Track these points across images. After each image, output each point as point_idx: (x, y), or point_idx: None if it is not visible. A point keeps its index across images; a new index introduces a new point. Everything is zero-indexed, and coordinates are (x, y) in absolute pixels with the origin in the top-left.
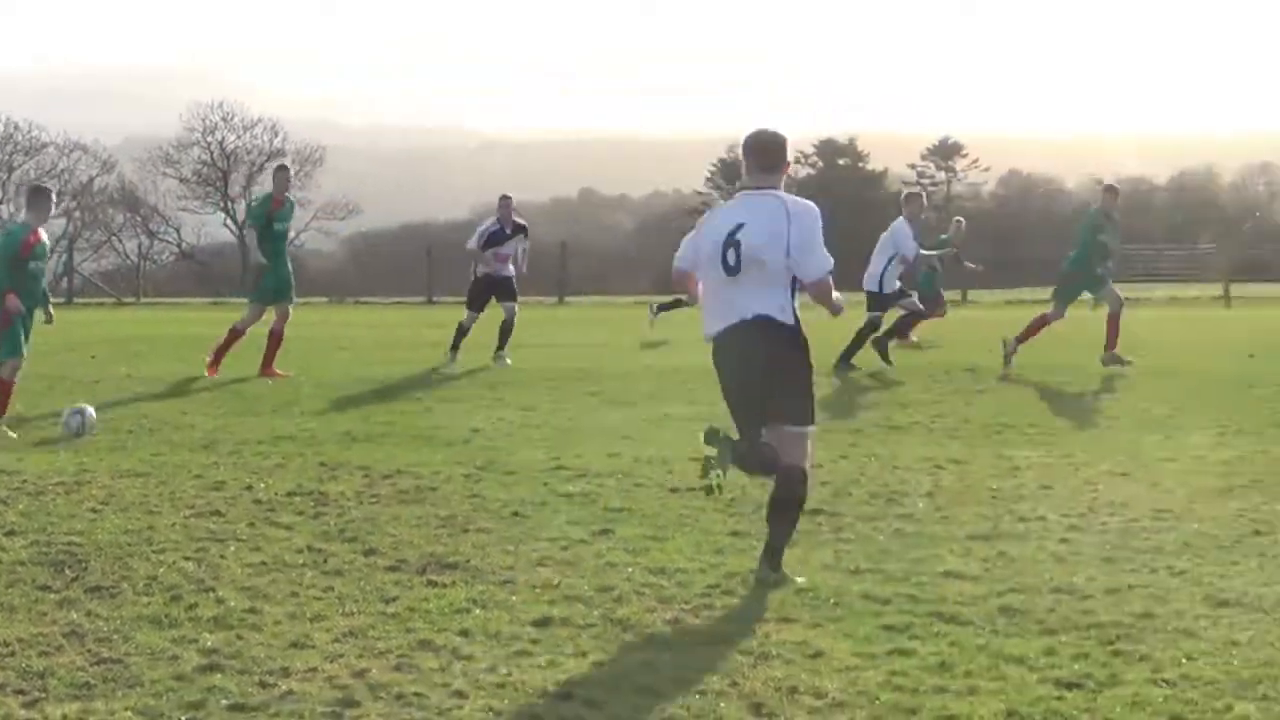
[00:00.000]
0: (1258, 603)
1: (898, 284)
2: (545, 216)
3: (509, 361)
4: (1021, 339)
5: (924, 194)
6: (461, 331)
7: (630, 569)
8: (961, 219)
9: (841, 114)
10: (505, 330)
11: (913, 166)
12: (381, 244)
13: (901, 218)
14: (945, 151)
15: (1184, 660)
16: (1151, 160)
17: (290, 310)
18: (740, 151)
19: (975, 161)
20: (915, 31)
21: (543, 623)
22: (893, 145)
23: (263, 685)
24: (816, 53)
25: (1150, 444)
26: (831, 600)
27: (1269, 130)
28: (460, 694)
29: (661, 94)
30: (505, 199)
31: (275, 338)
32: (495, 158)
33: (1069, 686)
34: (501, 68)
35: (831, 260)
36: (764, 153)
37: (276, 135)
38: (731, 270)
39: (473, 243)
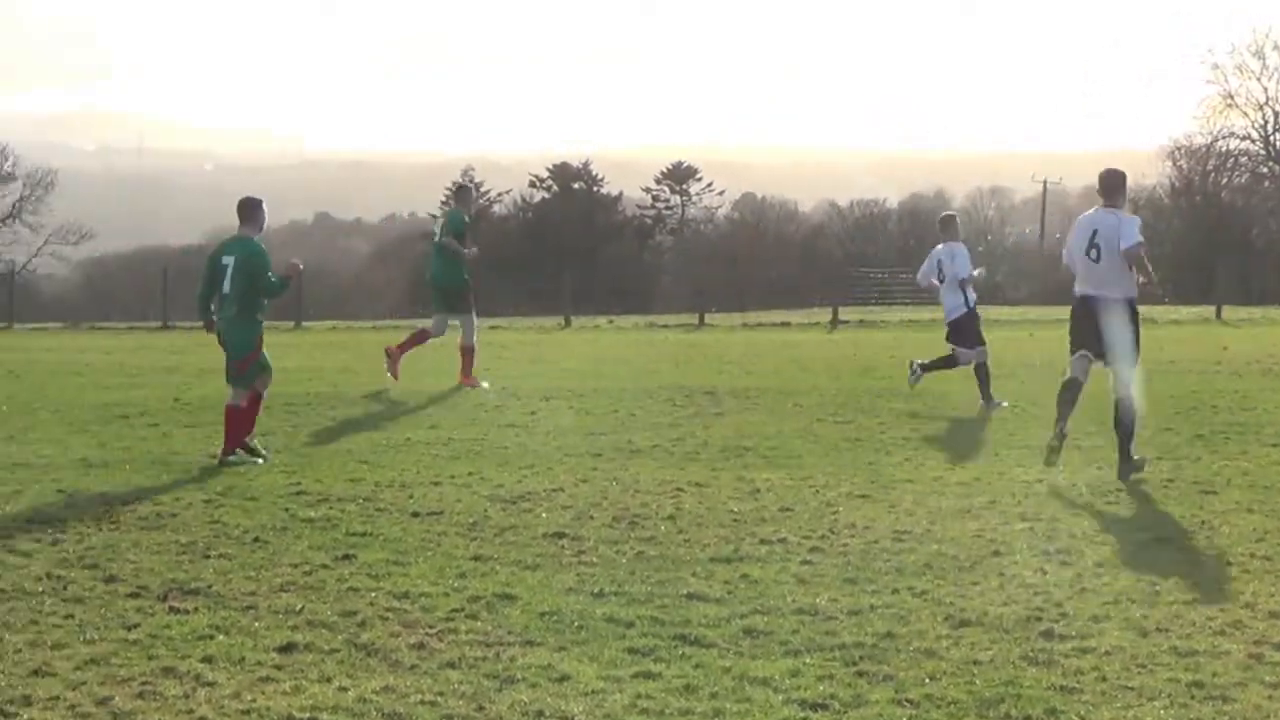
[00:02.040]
0: (998, 622)
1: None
2: (282, 241)
3: None
4: None
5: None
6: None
7: (373, 594)
8: None
9: (578, 136)
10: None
11: (647, 190)
12: (115, 268)
13: (958, 242)
14: (679, 175)
15: (927, 680)
16: (884, 180)
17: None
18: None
19: (710, 185)
20: (644, 53)
21: (286, 649)
22: (627, 168)
23: (4, 714)
24: (551, 76)
25: (889, 466)
26: (576, 624)
27: (999, 152)
28: None
29: (395, 116)
30: None
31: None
32: (231, 181)
33: (814, 707)
34: (238, 93)
35: (1141, 239)
36: (1106, 184)
37: (6, 159)
38: (1095, 261)
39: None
